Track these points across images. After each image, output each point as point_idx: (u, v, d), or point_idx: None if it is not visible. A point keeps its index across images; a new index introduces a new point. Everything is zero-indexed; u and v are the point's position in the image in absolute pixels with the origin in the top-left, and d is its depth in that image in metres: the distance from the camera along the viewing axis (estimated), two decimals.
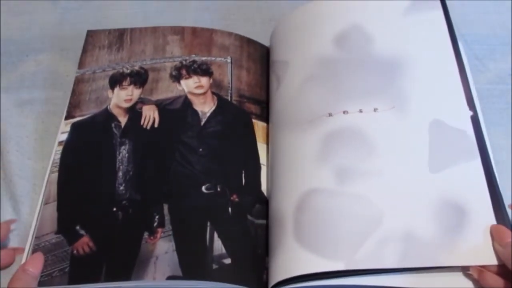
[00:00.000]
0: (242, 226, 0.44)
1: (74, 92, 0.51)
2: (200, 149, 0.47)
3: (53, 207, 0.44)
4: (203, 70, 0.52)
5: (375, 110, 0.44)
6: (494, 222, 0.38)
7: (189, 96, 0.50)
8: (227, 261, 0.41)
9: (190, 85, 0.51)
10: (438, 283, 0.38)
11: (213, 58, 0.53)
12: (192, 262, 0.41)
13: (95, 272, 0.40)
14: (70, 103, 0.50)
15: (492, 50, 0.57)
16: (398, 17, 0.49)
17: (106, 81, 0.51)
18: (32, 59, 0.57)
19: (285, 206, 0.42)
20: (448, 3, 0.49)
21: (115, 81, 0.51)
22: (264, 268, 0.42)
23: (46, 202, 0.44)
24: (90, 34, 0.55)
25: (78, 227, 0.42)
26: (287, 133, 0.46)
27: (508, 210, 0.39)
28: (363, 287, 0.38)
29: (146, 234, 0.42)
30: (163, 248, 0.42)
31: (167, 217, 0.43)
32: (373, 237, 0.38)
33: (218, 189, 0.45)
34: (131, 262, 0.41)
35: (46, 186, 0.45)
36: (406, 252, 0.37)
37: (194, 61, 0.52)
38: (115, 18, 0.61)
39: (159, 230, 0.43)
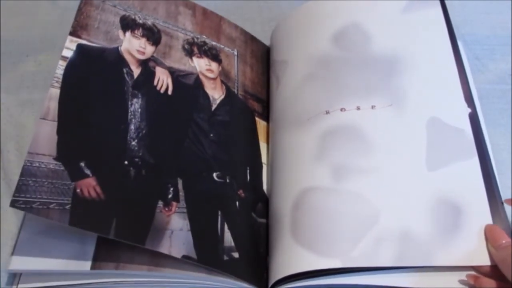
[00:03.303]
0: (247, 224, 0.43)
1: (80, 11, 0.48)
2: (211, 134, 0.46)
3: (51, 126, 0.41)
4: (213, 55, 0.52)
5: (372, 107, 0.44)
6: (490, 221, 0.38)
7: (201, 77, 0.50)
8: (236, 255, 0.41)
9: (201, 65, 0.50)
10: (435, 283, 0.38)
11: (222, 46, 0.53)
12: (206, 248, 0.41)
13: (104, 223, 0.38)
14: (76, 21, 0.47)
15: (492, 50, 0.57)
16: (397, 15, 0.49)
17: (117, 19, 0.49)
18: (32, 59, 0.57)
19: (283, 205, 0.42)
20: (448, 3, 0.49)
21: (127, 24, 0.49)
22: (265, 267, 0.42)
23: (43, 117, 0.41)
24: None
25: (83, 164, 0.40)
26: (286, 132, 0.46)
27: (507, 207, 0.39)
28: (361, 286, 0.38)
29: (161, 204, 0.41)
30: (178, 224, 0.41)
31: (181, 193, 0.43)
32: (369, 235, 0.38)
33: (227, 180, 0.45)
34: (145, 226, 0.39)
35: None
36: (401, 251, 0.37)
37: (205, 42, 0.52)
38: None
39: (174, 203, 0.42)
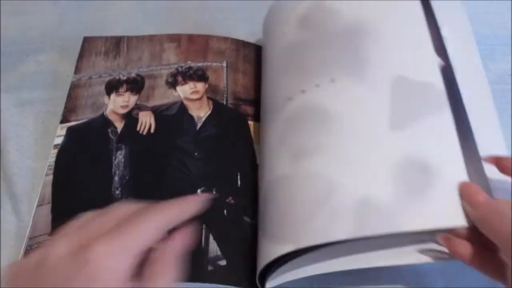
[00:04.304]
0: (238, 228, 0.44)
1: (69, 96, 0.51)
2: (196, 153, 0.47)
3: (47, 208, 0.44)
4: (199, 75, 0.52)
5: (332, 80, 0.41)
6: (466, 179, 0.34)
7: (185, 102, 0.51)
8: (223, 262, 0.41)
9: (186, 91, 0.51)
10: (410, 259, 0.36)
11: (209, 63, 0.53)
12: (187, 264, 0.41)
13: None
14: (65, 107, 0.51)
15: (492, 50, 0.57)
16: None
17: (103, 87, 0.52)
18: (32, 59, 0.58)
19: (259, 200, 0.42)
20: None
21: (112, 87, 0.52)
22: None
23: (40, 204, 0.45)
24: (87, 40, 0.56)
25: None
26: (262, 126, 0.46)
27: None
28: (342, 272, 0.37)
29: None
30: None
31: None
32: (323, 211, 0.35)
33: (214, 192, 0.45)
34: None
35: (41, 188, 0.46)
36: (361, 221, 0.34)
37: (190, 68, 0.53)
38: (115, 18, 0.61)
39: None
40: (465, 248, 0.33)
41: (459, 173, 0.34)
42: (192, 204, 0.32)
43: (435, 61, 0.40)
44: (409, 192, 0.34)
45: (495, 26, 0.59)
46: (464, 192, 0.33)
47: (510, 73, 0.56)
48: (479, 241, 0.32)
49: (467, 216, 0.32)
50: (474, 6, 0.61)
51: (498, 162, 0.34)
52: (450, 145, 0.35)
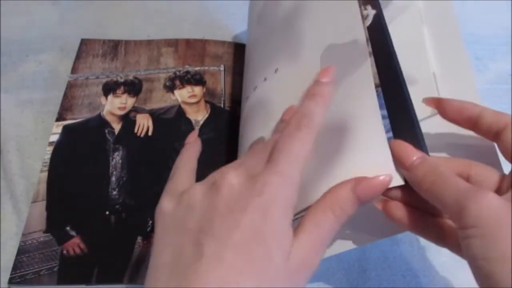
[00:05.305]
0: None
1: (66, 95, 0.52)
2: None
3: (41, 205, 0.44)
4: (196, 80, 0.53)
5: (276, 71, 0.39)
6: (382, 134, 0.28)
7: (183, 106, 0.51)
8: None
9: (183, 94, 0.52)
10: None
11: (206, 68, 0.54)
12: None
13: (86, 274, 0.41)
14: (61, 106, 0.51)
15: (492, 50, 0.58)
16: None
17: (100, 88, 0.52)
18: (32, 59, 0.57)
19: None
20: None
21: (109, 88, 0.52)
22: None
23: (34, 201, 0.45)
24: (85, 42, 0.56)
25: (68, 228, 0.43)
26: None
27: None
28: None
29: (139, 239, 0.43)
30: None
31: None
32: None
33: None
34: (123, 266, 0.41)
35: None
36: None
37: (187, 72, 0.54)
38: (115, 18, 0.61)
39: (153, 235, 0.43)
40: (402, 211, 0.28)
41: (375, 128, 0.29)
42: (321, 111, 0.30)
43: (359, 14, 0.34)
44: (323, 161, 0.30)
45: (495, 26, 0.59)
46: (394, 153, 0.28)
47: (510, 73, 0.56)
48: (416, 203, 0.28)
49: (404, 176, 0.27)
50: (474, 6, 0.61)
51: (439, 104, 0.29)
52: (366, 99, 0.30)
